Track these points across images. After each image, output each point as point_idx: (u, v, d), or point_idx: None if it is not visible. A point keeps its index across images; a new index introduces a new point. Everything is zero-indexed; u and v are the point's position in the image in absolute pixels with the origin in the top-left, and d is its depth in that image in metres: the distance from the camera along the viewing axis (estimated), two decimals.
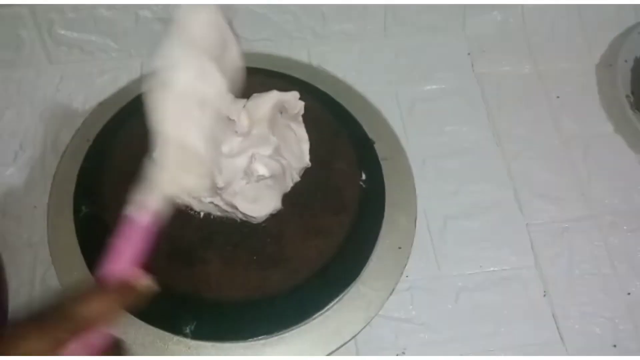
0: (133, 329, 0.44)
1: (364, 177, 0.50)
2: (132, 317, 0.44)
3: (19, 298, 0.51)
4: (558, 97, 0.65)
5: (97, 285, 0.29)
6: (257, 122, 0.44)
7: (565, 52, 0.68)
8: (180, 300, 0.43)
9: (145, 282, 0.30)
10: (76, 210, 0.48)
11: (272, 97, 0.45)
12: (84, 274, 0.45)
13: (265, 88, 0.48)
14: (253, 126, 0.44)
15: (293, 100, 0.46)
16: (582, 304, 0.53)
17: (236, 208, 0.43)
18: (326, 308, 0.45)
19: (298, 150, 0.47)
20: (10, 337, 0.25)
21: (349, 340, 0.45)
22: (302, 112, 0.47)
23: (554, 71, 0.67)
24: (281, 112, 0.47)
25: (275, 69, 0.58)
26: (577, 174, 0.60)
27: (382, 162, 0.52)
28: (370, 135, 0.54)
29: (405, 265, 0.48)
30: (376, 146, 0.53)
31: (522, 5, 0.68)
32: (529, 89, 0.66)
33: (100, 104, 0.58)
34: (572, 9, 0.69)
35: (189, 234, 0.45)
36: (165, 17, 0.63)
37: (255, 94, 0.45)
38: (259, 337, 0.43)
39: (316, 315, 0.44)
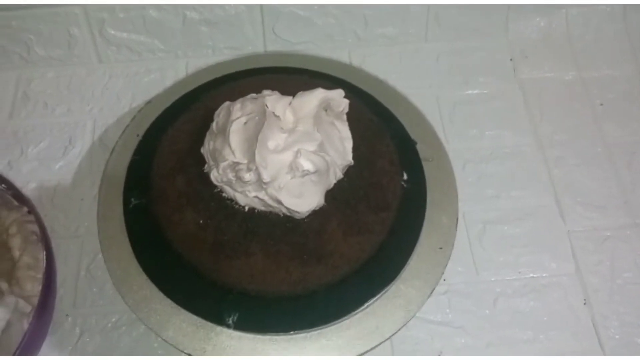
0: (177, 318, 0.45)
1: (405, 177, 0.50)
2: (176, 305, 0.45)
3: (65, 287, 0.53)
4: (602, 104, 0.65)
5: None
6: (302, 119, 0.45)
7: (610, 59, 0.67)
8: (223, 292, 0.44)
9: None
10: (126, 202, 0.50)
11: (318, 95, 0.46)
12: (132, 262, 0.47)
13: (309, 87, 0.49)
14: (298, 123, 0.45)
15: (338, 98, 0.46)
16: (624, 314, 0.52)
17: (281, 203, 0.43)
18: (366, 305, 0.45)
19: (341, 148, 0.47)
20: None
21: (386, 340, 0.46)
22: (347, 110, 0.48)
23: (598, 77, 0.66)
24: (326, 110, 0.47)
25: (319, 69, 0.59)
26: (621, 181, 0.59)
27: (423, 163, 0.52)
28: (412, 136, 0.54)
29: (446, 265, 0.48)
30: (418, 147, 0.53)
31: (566, 11, 0.68)
32: (572, 95, 0.65)
33: (148, 103, 0.60)
34: (617, 15, 0.68)
35: (234, 228, 0.45)
36: (212, 19, 0.64)
37: (301, 92, 0.46)
38: (300, 331, 0.44)
39: (356, 312, 0.45)
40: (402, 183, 0.50)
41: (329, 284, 0.45)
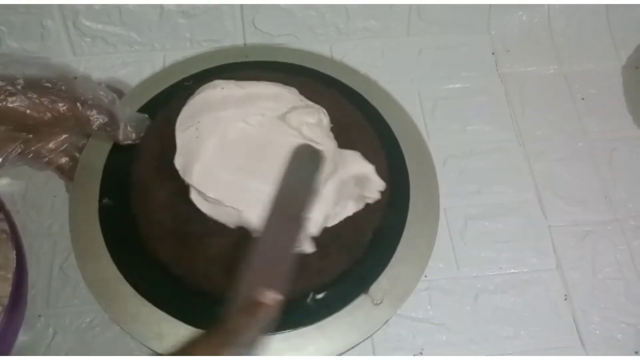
0: (153, 318, 0.44)
1: (388, 174, 0.50)
2: (152, 306, 0.44)
3: (38, 286, 0.52)
4: (583, 98, 0.64)
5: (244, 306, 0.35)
6: (337, 175, 0.45)
7: (592, 53, 0.67)
8: (198, 293, 0.43)
9: (273, 297, 0.35)
10: (100, 198, 0.48)
11: (363, 167, 0.46)
12: (105, 261, 0.45)
13: (293, 83, 0.49)
14: (331, 175, 0.45)
15: (375, 185, 0.46)
16: (604, 309, 0.52)
17: None
18: (344, 306, 0.44)
19: (320, 220, 0.45)
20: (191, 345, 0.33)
21: (366, 339, 0.45)
22: (370, 200, 0.47)
23: (580, 72, 0.66)
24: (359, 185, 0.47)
25: (300, 63, 0.57)
26: (602, 176, 0.59)
27: (406, 159, 0.51)
28: (394, 131, 0.53)
29: (427, 261, 0.47)
30: (400, 143, 0.53)
31: (548, 5, 0.67)
32: (554, 89, 0.65)
33: (124, 96, 0.58)
34: (599, 10, 0.68)
35: (226, 244, 0.45)
36: (190, 11, 0.63)
37: (358, 152, 0.47)
38: (279, 331, 0.43)
39: (333, 313, 0.44)
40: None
41: (310, 285, 0.44)
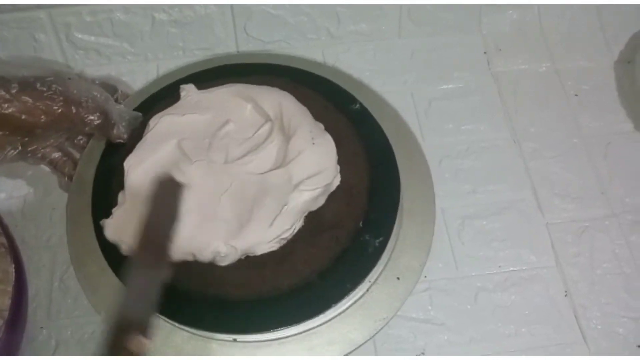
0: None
1: (379, 176, 0.50)
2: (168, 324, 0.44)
3: (39, 298, 0.52)
4: (576, 95, 0.65)
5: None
6: None
7: (583, 50, 0.67)
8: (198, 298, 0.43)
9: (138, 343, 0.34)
10: (94, 208, 0.48)
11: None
12: (103, 272, 0.45)
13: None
14: None
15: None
16: (605, 304, 0.52)
17: None
18: (344, 308, 0.44)
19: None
20: None
21: (368, 340, 0.45)
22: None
23: (572, 69, 0.66)
24: None
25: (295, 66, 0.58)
26: (597, 172, 0.59)
27: (398, 162, 0.51)
28: (387, 133, 0.53)
29: (426, 262, 0.47)
30: (393, 145, 0.53)
31: (538, 4, 0.68)
32: (547, 87, 0.65)
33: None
34: (590, 6, 0.68)
35: None
36: (182, 20, 0.63)
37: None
38: (276, 330, 0.43)
39: (334, 315, 0.44)
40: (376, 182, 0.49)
41: (304, 286, 0.44)
